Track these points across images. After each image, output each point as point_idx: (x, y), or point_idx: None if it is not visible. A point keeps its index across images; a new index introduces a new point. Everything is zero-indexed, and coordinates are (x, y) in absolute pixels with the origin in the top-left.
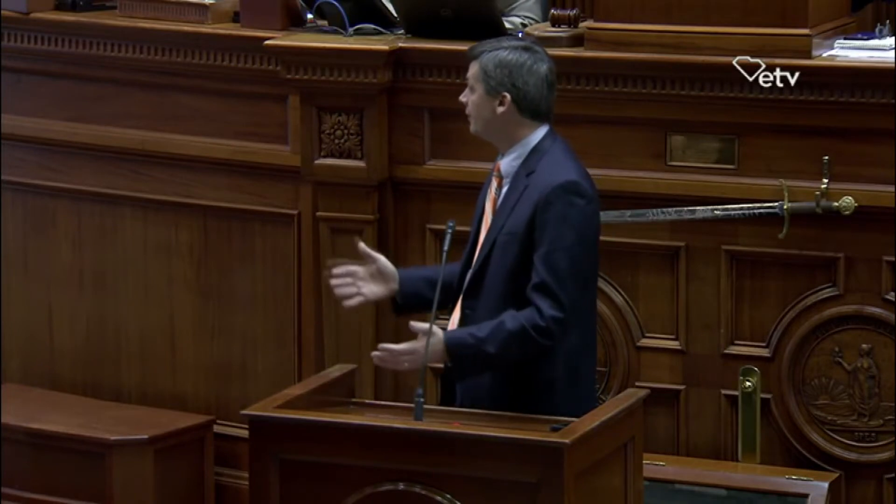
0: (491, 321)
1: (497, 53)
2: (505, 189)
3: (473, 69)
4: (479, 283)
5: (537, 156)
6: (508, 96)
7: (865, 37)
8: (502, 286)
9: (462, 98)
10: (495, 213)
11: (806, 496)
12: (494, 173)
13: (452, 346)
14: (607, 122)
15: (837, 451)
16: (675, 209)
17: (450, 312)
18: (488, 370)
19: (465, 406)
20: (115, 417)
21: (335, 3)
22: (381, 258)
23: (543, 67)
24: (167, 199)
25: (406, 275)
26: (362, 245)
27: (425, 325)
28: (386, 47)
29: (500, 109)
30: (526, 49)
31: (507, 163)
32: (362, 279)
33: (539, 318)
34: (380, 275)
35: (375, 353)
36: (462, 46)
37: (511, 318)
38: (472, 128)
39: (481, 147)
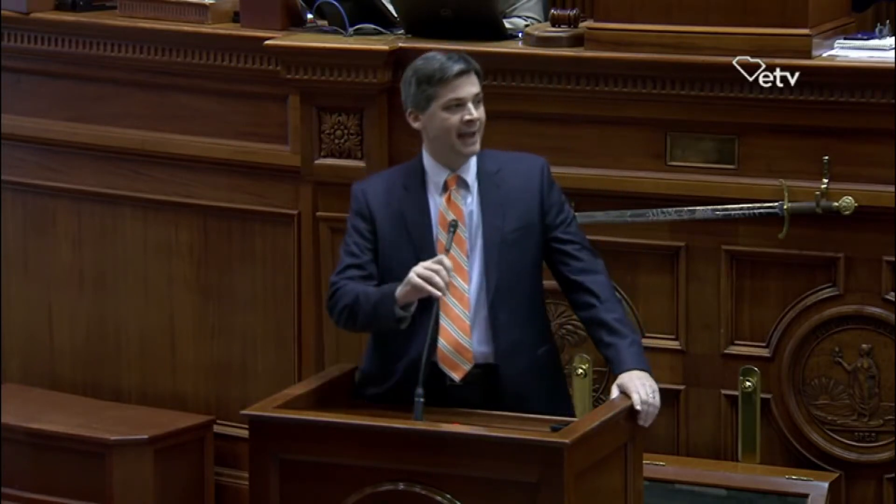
0: (615, 320)
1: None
2: (474, 195)
3: (476, 82)
4: (499, 288)
5: (481, 156)
6: None
7: (865, 37)
8: (529, 280)
9: (476, 115)
10: (465, 218)
11: (806, 496)
12: (453, 187)
13: (646, 364)
14: (607, 122)
15: (837, 451)
16: (675, 209)
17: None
18: None
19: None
20: (115, 417)
21: (335, 3)
22: None
23: None
24: (167, 199)
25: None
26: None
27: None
28: (386, 47)
29: None
30: None
31: (468, 170)
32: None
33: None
34: None
35: (641, 420)
36: (462, 46)
37: (614, 306)
38: (478, 147)
39: None
